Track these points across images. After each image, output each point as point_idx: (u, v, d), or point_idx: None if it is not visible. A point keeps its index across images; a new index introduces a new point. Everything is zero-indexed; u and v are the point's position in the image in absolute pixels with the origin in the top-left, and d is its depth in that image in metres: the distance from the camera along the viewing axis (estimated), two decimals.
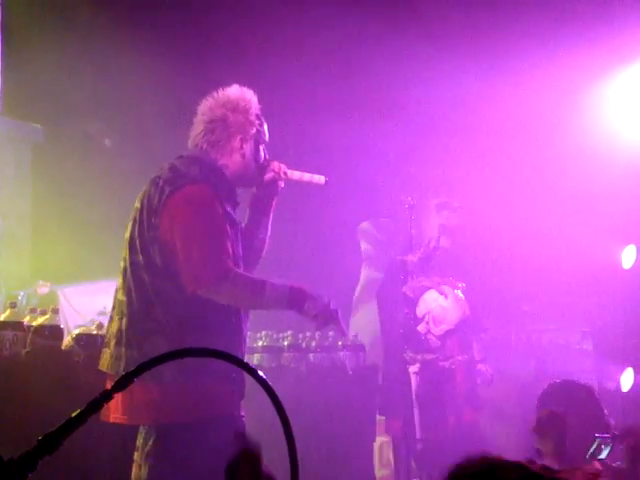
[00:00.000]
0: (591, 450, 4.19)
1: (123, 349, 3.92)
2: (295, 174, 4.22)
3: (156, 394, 3.81)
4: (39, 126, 7.36)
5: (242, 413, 4.00)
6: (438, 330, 5.45)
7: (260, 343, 6.29)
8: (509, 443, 6.89)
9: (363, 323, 7.29)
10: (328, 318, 4.03)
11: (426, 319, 5.43)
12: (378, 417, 6.23)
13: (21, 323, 4.80)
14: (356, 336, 6.34)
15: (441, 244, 5.83)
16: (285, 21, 6.98)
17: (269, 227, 4.34)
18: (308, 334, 6.32)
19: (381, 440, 6.57)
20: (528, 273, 6.77)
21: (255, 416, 5.04)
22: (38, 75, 6.85)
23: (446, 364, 5.49)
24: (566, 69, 6.84)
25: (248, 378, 3.58)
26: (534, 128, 7.03)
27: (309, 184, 4.26)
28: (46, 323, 4.80)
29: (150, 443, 3.88)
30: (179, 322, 3.88)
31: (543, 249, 6.86)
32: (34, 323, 4.85)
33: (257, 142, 4.16)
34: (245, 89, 4.20)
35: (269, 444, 4.13)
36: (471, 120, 7.05)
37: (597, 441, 4.14)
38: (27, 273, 6.86)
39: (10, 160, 6.97)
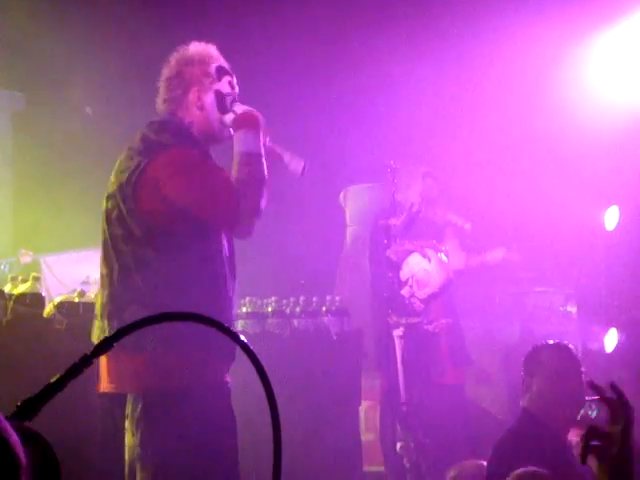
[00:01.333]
0: (581, 412, 4.21)
1: (106, 321, 3.91)
2: (276, 147, 4.11)
3: (140, 363, 3.82)
4: (20, 94, 7.31)
5: (227, 379, 4.00)
6: (422, 293, 5.44)
7: (244, 309, 6.29)
8: (493, 405, 6.94)
9: (348, 287, 7.29)
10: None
11: (410, 282, 5.42)
12: (364, 382, 6.24)
13: (2, 291, 4.78)
14: (340, 301, 6.34)
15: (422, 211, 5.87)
16: None
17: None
18: (292, 299, 6.32)
19: (366, 404, 6.59)
20: (510, 236, 6.77)
21: (241, 382, 5.04)
22: (19, 42, 6.78)
23: (430, 327, 5.49)
24: (548, 29, 6.81)
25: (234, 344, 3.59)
26: (515, 90, 7.02)
27: (284, 167, 4.13)
28: (27, 291, 4.79)
29: (138, 409, 3.89)
30: (158, 289, 3.85)
31: (526, 212, 6.87)
32: (15, 291, 4.83)
33: (219, 94, 4.07)
34: (205, 44, 4.15)
35: (254, 410, 4.15)
36: (453, 83, 7.03)
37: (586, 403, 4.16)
38: (9, 242, 6.84)
39: None
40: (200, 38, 4.11)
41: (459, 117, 7.08)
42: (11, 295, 4.74)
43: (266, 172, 3.97)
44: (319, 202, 7.54)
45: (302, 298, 6.35)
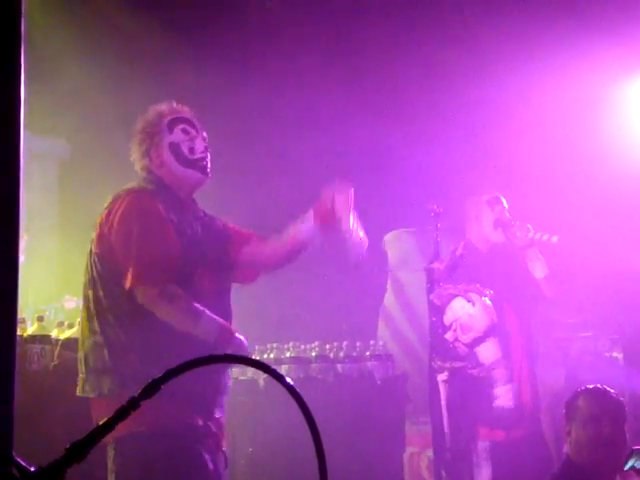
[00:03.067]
0: (630, 462, 4.13)
1: (83, 370, 4.07)
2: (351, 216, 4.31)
3: (102, 408, 3.88)
4: (65, 141, 7.40)
5: (196, 422, 4.01)
6: (466, 338, 5.41)
7: (287, 354, 6.29)
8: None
9: (391, 332, 7.27)
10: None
11: (454, 327, 5.39)
12: (408, 427, 6.20)
13: (49, 337, 4.83)
14: (384, 345, 6.32)
15: (495, 240, 5.99)
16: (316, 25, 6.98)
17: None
18: (336, 344, 6.31)
19: (411, 450, 6.54)
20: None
21: (283, 425, 5.02)
22: (63, 91, 6.88)
23: (475, 372, 5.44)
24: (599, 69, 6.80)
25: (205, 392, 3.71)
26: (563, 129, 6.99)
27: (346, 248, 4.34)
28: (73, 336, 4.82)
29: (111, 458, 3.97)
30: (116, 330, 4.00)
31: (571, 255, 6.81)
32: (61, 336, 4.87)
33: (172, 145, 4.25)
34: (153, 106, 4.36)
35: (298, 454, 4.13)
36: (500, 122, 7.02)
37: (635, 453, 4.08)
38: (54, 287, 6.89)
39: (36, 175, 7.01)
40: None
41: (499, 160, 7.05)
42: (57, 340, 4.79)
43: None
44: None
45: (345, 343, 6.34)
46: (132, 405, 2.00)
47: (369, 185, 7.34)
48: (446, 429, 5.19)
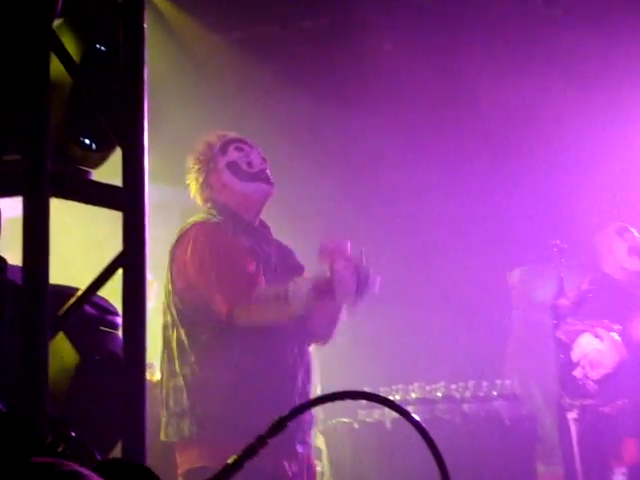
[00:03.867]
0: None
1: (165, 414, 4.10)
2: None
3: (186, 451, 4.00)
4: (185, 189, 7.55)
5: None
6: (595, 374, 5.30)
7: (413, 395, 6.24)
8: None
9: (518, 370, 7.15)
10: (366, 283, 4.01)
11: (582, 363, 5.29)
12: (539, 468, 6.07)
13: None
14: (511, 385, 6.22)
15: (633, 267, 5.85)
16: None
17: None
18: (461, 384, 6.24)
19: None
20: None
21: (411, 467, 5.00)
22: (184, 140, 7.03)
23: (606, 409, 5.33)
24: None
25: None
26: None
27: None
28: None
29: None
30: (195, 370, 4.01)
31: None
32: None
33: (231, 164, 4.23)
34: (204, 137, 4.36)
35: None
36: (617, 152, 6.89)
37: None
38: None
39: (160, 224, 7.17)
40: None
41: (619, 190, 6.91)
42: None
43: (279, 318, 4.05)
44: (484, 284, 7.45)
45: (472, 382, 6.26)
46: (260, 443, 2.02)
47: (490, 221, 7.31)
48: (578, 468, 5.08)
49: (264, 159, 4.27)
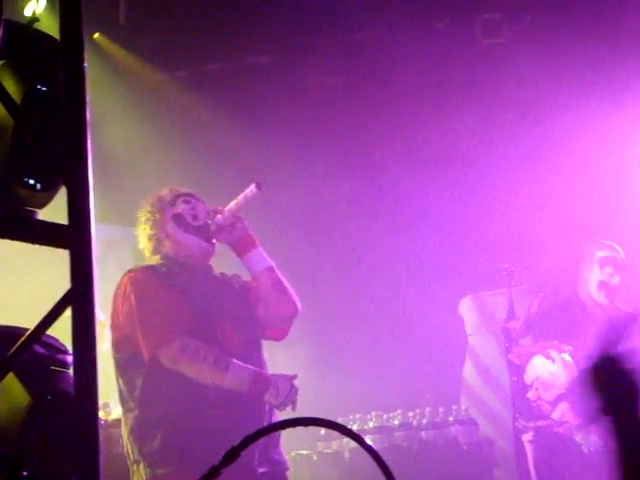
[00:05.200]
0: None
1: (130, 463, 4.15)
2: (231, 206, 4.27)
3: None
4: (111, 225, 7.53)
5: None
6: (549, 395, 5.35)
7: (370, 424, 6.27)
8: None
9: (474, 396, 7.20)
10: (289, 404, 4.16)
11: (535, 385, 5.34)
12: None
13: None
14: (466, 410, 6.27)
15: (599, 300, 5.69)
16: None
17: (262, 260, 4.35)
18: (418, 411, 6.28)
19: None
20: None
21: None
22: (135, 180, 7.03)
23: (560, 430, 5.37)
24: None
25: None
26: None
27: (250, 201, 4.24)
28: None
29: None
30: (135, 417, 4.07)
31: None
32: None
33: (176, 217, 4.32)
34: (157, 191, 4.45)
35: None
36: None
37: None
38: None
39: (112, 263, 7.14)
40: None
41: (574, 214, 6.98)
42: None
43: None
44: (438, 313, 7.52)
45: (428, 409, 6.30)
46: (213, 474, 2.03)
47: (443, 249, 7.36)
48: None
49: (209, 214, 4.33)
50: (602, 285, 5.72)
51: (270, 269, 4.32)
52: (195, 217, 4.31)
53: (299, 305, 4.36)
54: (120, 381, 4.13)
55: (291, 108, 7.22)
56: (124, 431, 4.13)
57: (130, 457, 4.09)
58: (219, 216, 4.26)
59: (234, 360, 4.04)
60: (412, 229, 7.34)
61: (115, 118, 6.87)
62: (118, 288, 4.18)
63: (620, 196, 6.98)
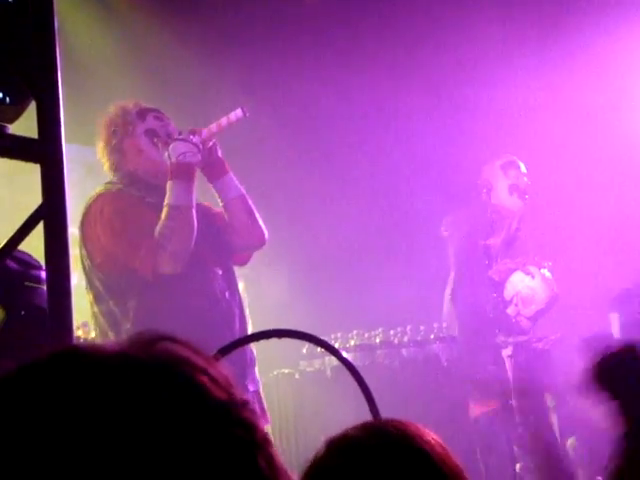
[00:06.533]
0: None
1: None
2: (211, 127, 4.15)
3: None
4: (91, 147, 7.43)
5: None
6: (528, 311, 5.38)
7: (352, 342, 6.30)
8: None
9: (454, 314, 7.23)
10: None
11: (514, 301, 5.37)
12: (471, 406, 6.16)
13: None
14: (447, 327, 6.30)
15: (512, 206, 5.62)
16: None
17: (234, 187, 4.27)
18: (400, 329, 6.32)
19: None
20: (621, 247, 6.56)
21: (352, 413, 5.02)
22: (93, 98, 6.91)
23: (539, 345, 5.42)
24: None
25: None
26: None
27: (234, 124, 4.12)
28: None
29: None
30: (136, 321, 4.00)
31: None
32: None
33: (149, 132, 4.22)
34: (118, 102, 4.34)
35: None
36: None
37: None
38: None
39: (91, 186, 7.07)
40: None
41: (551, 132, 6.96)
42: None
43: (195, 223, 4.04)
44: (420, 231, 7.50)
45: (409, 327, 6.34)
46: None
47: (425, 168, 7.34)
48: (514, 404, 5.17)
49: (180, 134, 4.20)
50: (513, 188, 5.65)
51: (242, 196, 4.26)
52: (169, 135, 4.21)
53: (267, 235, 4.33)
54: (108, 304, 4.05)
55: (276, 24, 7.09)
56: None
57: None
58: (196, 136, 4.15)
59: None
60: (400, 150, 7.29)
61: (87, 30, 6.71)
62: (89, 213, 4.07)
63: None
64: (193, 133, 4.15)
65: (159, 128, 4.23)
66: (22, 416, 0.90)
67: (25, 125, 2.68)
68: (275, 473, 0.95)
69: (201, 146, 4.13)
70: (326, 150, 7.48)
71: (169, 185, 4.05)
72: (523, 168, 5.77)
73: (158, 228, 3.99)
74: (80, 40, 6.50)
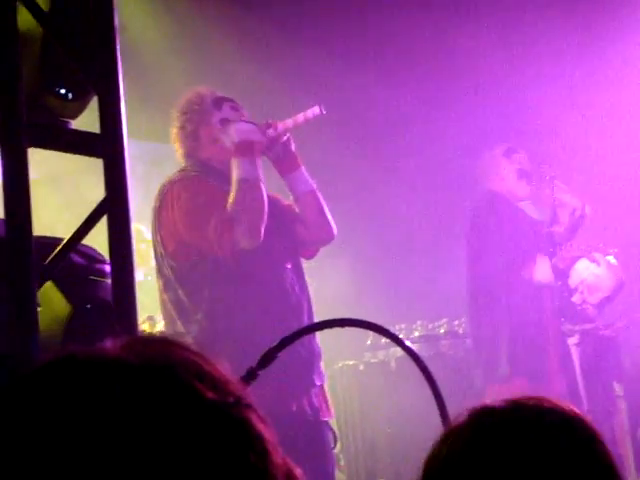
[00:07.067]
0: None
1: None
2: (287, 122, 4.11)
3: None
4: (158, 144, 7.48)
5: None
6: (594, 299, 5.32)
7: (416, 333, 6.29)
8: None
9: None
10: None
11: (580, 289, 5.30)
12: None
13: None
14: None
15: (520, 192, 5.56)
16: None
17: (305, 182, 4.25)
18: (463, 320, 6.27)
19: None
20: None
21: (417, 404, 5.03)
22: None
23: (606, 332, 5.35)
24: None
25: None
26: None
27: (310, 121, 4.07)
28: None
29: None
30: (203, 328, 3.97)
31: None
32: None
33: (225, 122, 4.16)
34: (193, 89, 4.30)
35: (432, 429, 4.11)
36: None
37: None
38: None
39: (156, 181, 7.12)
40: None
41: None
42: None
43: (265, 196, 4.00)
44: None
45: None
46: (251, 376, 2.04)
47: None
48: (581, 391, 5.12)
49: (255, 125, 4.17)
50: (521, 173, 5.56)
51: (314, 192, 4.23)
52: (231, 127, 4.15)
53: (335, 231, 4.32)
54: (177, 293, 4.02)
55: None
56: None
57: None
58: (271, 130, 4.13)
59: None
60: (431, 143, 7.20)
61: (148, 26, 6.75)
62: (165, 199, 4.03)
63: None
64: (269, 126, 4.12)
65: (235, 119, 4.17)
66: (18, 423, 0.93)
67: (88, 120, 2.71)
68: (269, 468, 0.98)
69: (276, 139, 4.12)
70: (390, 142, 7.44)
71: (234, 163, 4.02)
72: (523, 154, 5.66)
73: (230, 204, 3.95)
74: (142, 36, 6.54)
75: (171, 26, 6.92)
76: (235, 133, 4.08)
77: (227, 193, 4.02)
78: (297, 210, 4.25)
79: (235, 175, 4.00)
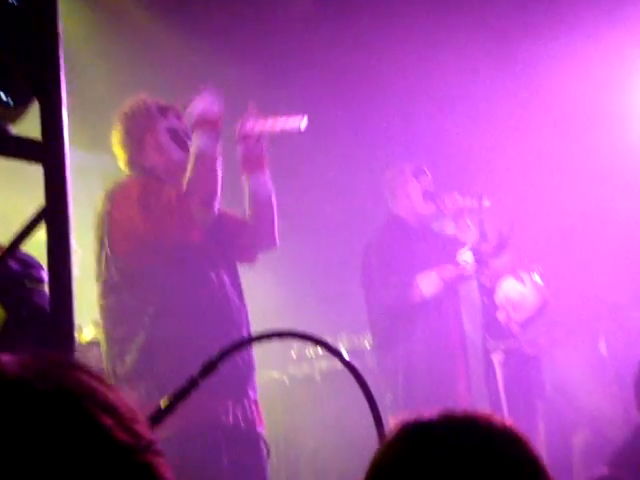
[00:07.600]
0: None
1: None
2: (267, 122, 4.12)
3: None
4: (108, 156, 7.43)
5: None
6: (518, 317, 5.41)
7: (341, 346, 6.31)
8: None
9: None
10: None
11: (505, 306, 5.39)
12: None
13: None
14: None
15: (426, 212, 5.61)
16: None
17: (265, 186, 4.27)
18: None
19: None
20: (613, 251, 6.55)
21: (342, 415, 5.05)
22: (106, 107, 6.89)
23: (529, 350, 5.44)
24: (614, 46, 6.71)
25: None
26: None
27: (286, 133, 4.10)
28: None
29: None
30: (146, 334, 3.92)
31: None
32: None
33: (171, 130, 4.16)
34: (137, 96, 4.26)
35: (358, 440, 4.12)
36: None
37: None
38: None
39: (81, 190, 7.06)
40: None
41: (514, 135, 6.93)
42: None
43: (219, 172, 3.98)
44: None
45: None
46: (193, 385, 2.04)
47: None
48: (504, 407, 5.19)
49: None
50: (427, 195, 5.59)
51: (270, 198, 4.25)
52: (188, 136, 4.14)
53: (278, 240, 4.33)
54: (124, 294, 3.94)
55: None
56: (114, 348, 3.94)
57: (131, 376, 3.89)
58: (249, 123, 4.14)
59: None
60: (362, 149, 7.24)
61: (88, 36, 6.70)
62: (117, 197, 3.99)
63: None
64: (248, 119, 4.16)
65: (179, 128, 4.16)
66: None
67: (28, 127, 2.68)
68: None
69: (250, 134, 4.14)
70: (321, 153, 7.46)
71: (193, 137, 4.00)
72: (429, 174, 5.71)
73: (185, 179, 3.93)
74: (79, 42, 6.49)
75: (111, 31, 6.88)
76: (194, 110, 4.04)
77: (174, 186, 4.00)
78: (247, 212, 4.23)
79: (193, 148, 3.98)
